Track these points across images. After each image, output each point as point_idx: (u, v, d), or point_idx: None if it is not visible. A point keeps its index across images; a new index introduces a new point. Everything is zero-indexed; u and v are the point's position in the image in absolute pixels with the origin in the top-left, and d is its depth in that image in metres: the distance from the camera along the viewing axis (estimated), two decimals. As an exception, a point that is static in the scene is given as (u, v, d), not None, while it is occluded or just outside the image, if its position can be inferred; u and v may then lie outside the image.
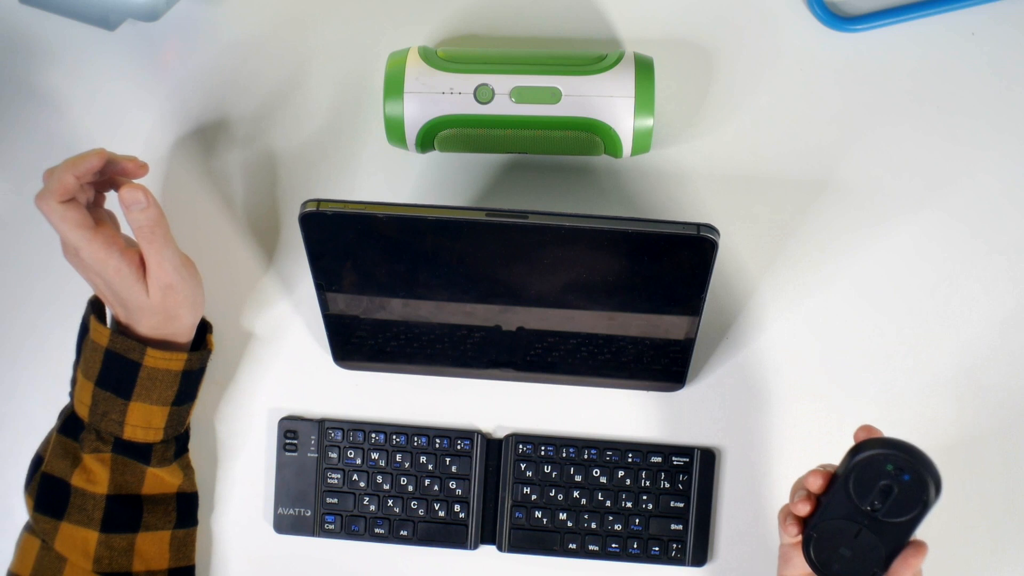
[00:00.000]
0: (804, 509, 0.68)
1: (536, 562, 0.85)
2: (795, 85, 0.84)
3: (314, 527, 0.85)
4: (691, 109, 0.85)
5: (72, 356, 0.83)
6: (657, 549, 0.84)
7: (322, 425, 0.85)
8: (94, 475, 0.79)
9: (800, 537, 0.69)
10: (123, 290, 0.76)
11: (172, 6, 0.83)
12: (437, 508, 0.84)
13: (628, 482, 0.84)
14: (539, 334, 0.80)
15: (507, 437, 0.85)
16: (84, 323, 0.81)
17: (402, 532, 0.85)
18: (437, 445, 0.85)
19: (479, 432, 0.85)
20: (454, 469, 0.84)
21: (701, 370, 0.85)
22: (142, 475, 0.81)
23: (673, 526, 0.84)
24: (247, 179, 0.86)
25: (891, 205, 0.84)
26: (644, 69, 0.78)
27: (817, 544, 0.68)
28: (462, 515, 0.84)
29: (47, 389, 0.87)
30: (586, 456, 0.84)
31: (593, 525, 0.84)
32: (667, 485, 0.84)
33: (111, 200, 0.82)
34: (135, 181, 0.77)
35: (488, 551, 0.85)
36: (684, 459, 0.84)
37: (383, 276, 0.77)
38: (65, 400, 0.83)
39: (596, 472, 0.84)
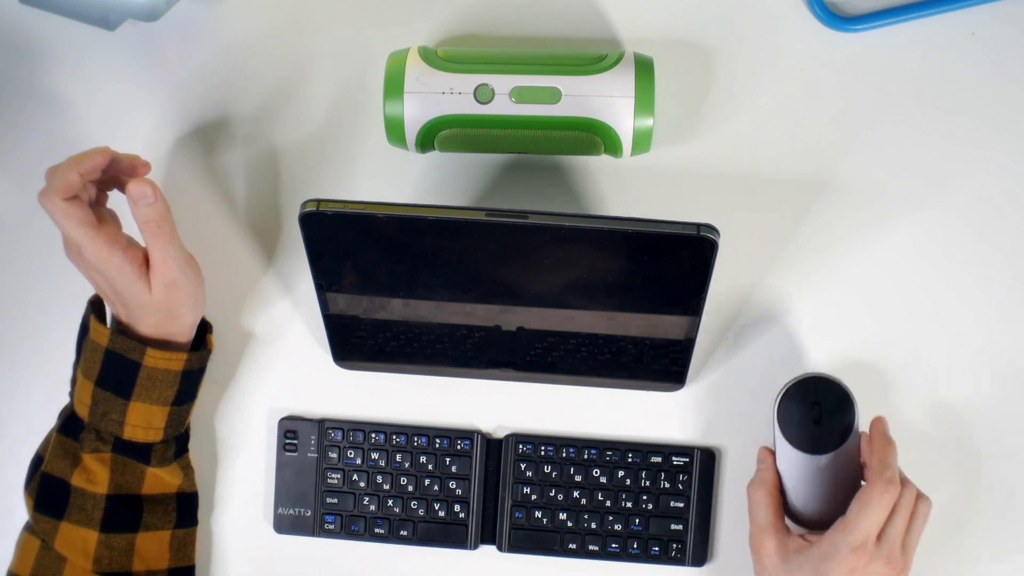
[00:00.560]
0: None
1: (536, 562, 0.85)
2: (795, 85, 0.84)
3: (314, 527, 0.85)
4: (691, 109, 0.85)
5: (72, 356, 0.83)
6: (657, 549, 0.84)
7: (322, 425, 0.85)
8: (94, 475, 0.79)
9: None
10: (125, 288, 0.76)
11: (172, 6, 0.83)
12: (437, 508, 0.84)
13: (628, 482, 0.84)
14: (539, 334, 0.80)
15: (507, 437, 0.85)
16: (84, 323, 0.81)
17: (402, 532, 0.85)
18: (437, 445, 0.85)
19: (479, 432, 0.85)
20: (454, 469, 0.84)
21: (701, 370, 0.85)
22: (142, 475, 0.81)
23: (673, 526, 0.84)
24: (247, 179, 0.86)
25: (891, 205, 0.84)
26: (644, 69, 0.78)
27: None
28: (462, 515, 0.84)
29: (47, 389, 0.87)
30: (586, 456, 0.84)
31: (593, 525, 0.84)
32: (667, 485, 0.84)
33: (113, 199, 0.82)
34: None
35: (488, 551, 0.85)
36: (684, 459, 0.84)
37: (383, 276, 0.77)
38: (65, 400, 0.83)
39: (596, 472, 0.84)
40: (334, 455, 0.85)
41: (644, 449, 0.84)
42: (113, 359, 0.78)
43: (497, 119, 0.78)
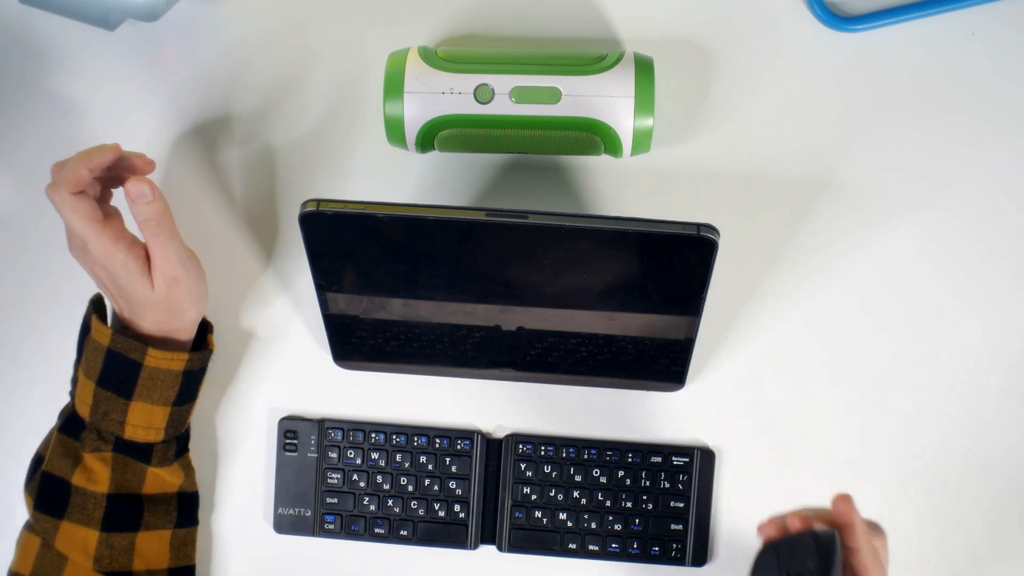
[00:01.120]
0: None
1: (536, 562, 0.85)
2: (795, 85, 0.84)
3: (314, 527, 0.85)
4: (691, 109, 0.85)
5: (72, 356, 0.83)
6: (657, 549, 0.84)
7: (322, 425, 0.85)
8: (95, 474, 0.80)
9: None
10: (128, 284, 0.76)
11: (172, 6, 0.83)
12: (437, 508, 0.84)
13: (628, 482, 0.84)
14: (539, 334, 0.80)
15: (507, 437, 0.85)
16: (85, 322, 0.81)
17: (402, 532, 0.85)
18: (437, 445, 0.85)
19: (479, 432, 0.85)
20: (454, 469, 0.84)
21: (701, 370, 0.85)
22: (143, 475, 0.81)
23: (673, 526, 0.84)
24: (247, 179, 0.86)
25: (891, 205, 0.84)
26: (644, 69, 0.78)
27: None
28: (462, 515, 0.84)
29: (47, 389, 0.87)
30: (586, 456, 0.84)
31: (593, 525, 0.84)
32: (667, 485, 0.84)
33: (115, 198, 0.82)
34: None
35: (488, 551, 0.85)
36: (684, 459, 0.84)
37: (383, 276, 0.77)
38: (66, 400, 0.83)
39: (596, 472, 0.84)
40: (334, 455, 0.85)
41: (644, 449, 0.84)
42: (114, 359, 0.78)
43: (497, 119, 0.78)
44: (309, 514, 0.85)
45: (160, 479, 0.82)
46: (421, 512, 0.85)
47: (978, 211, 0.84)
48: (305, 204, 0.73)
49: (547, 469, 0.84)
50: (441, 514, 0.85)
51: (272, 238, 0.86)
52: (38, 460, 0.81)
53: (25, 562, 0.79)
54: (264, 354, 0.86)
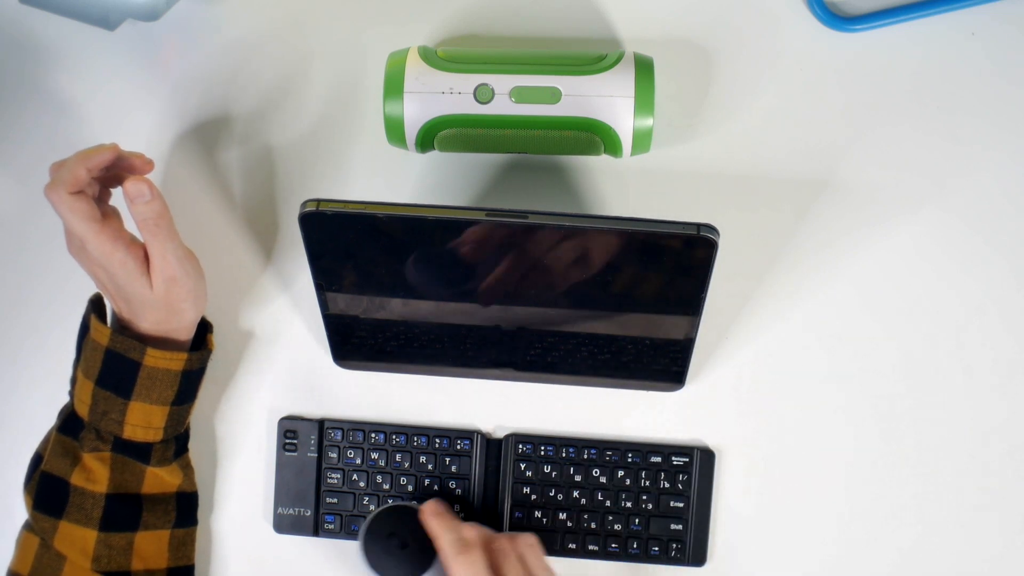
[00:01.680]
0: None
1: (536, 562, 0.85)
2: (795, 85, 0.84)
3: (314, 527, 0.85)
4: (691, 109, 0.85)
5: (72, 355, 0.83)
6: (657, 549, 0.84)
7: (322, 425, 0.85)
8: (94, 474, 0.80)
9: None
10: (127, 284, 0.76)
11: (172, 6, 0.83)
12: (437, 508, 0.84)
13: (628, 482, 0.84)
14: (539, 334, 0.80)
15: (507, 437, 0.85)
16: (84, 322, 0.81)
17: (402, 532, 0.85)
18: (437, 445, 0.85)
19: (479, 432, 0.85)
20: (454, 469, 0.84)
21: (701, 370, 0.85)
22: (142, 474, 0.81)
23: (672, 526, 0.84)
24: (247, 179, 0.86)
25: (891, 205, 0.84)
26: (644, 69, 0.78)
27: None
28: (462, 515, 0.84)
29: (47, 389, 0.87)
30: (586, 456, 0.84)
31: (593, 525, 0.84)
32: (667, 485, 0.84)
33: (115, 197, 0.82)
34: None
35: (488, 551, 0.85)
36: (684, 459, 0.84)
37: (383, 276, 0.77)
38: (65, 399, 0.83)
39: (596, 472, 0.84)
40: (334, 455, 0.85)
41: (644, 449, 0.84)
42: (113, 358, 0.78)
43: (497, 119, 0.78)
44: (309, 514, 0.85)
45: (159, 479, 0.82)
46: (421, 512, 0.85)
47: (978, 211, 0.84)
48: (305, 204, 0.73)
49: (547, 469, 0.84)
50: (441, 514, 0.84)
51: (272, 238, 0.86)
52: (37, 460, 0.81)
53: (24, 562, 0.79)
54: (264, 354, 0.86)
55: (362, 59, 0.86)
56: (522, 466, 0.84)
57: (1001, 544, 0.84)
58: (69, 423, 0.80)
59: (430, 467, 0.85)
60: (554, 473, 0.84)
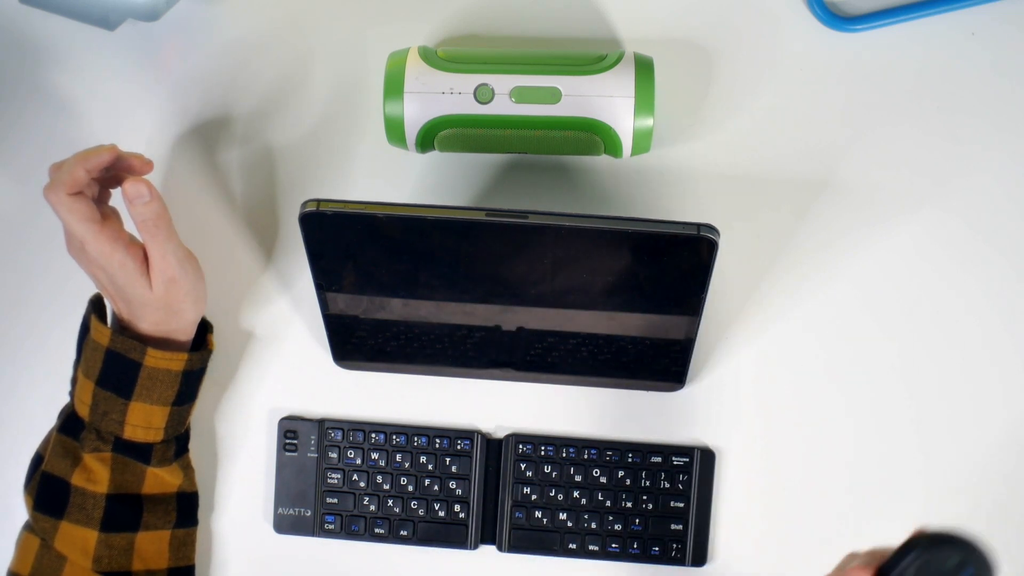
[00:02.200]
0: None
1: (536, 562, 0.85)
2: (795, 85, 0.84)
3: (314, 527, 0.85)
4: (691, 109, 0.85)
5: (72, 356, 0.83)
6: (657, 549, 0.84)
7: (322, 425, 0.85)
8: (94, 474, 0.79)
9: None
10: (127, 285, 0.76)
11: (172, 6, 0.83)
12: (437, 508, 0.84)
13: (628, 482, 0.84)
14: (539, 334, 0.80)
15: (507, 437, 0.85)
16: (85, 322, 0.81)
17: (402, 532, 0.85)
18: (437, 445, 0.85)
19: (479, 432, 0.85)
20: (454, 469, 0.84)
21: (701, 370, 0.85)
22: (142, 475, 0.81)
23: (673, 526, 0.84)
24: (247, 179, 0.86)
25: (891, 205, 0.84)
26: (644, 69, 0.78)
27: None
28: (462, 515, 0.84)
29: (47, 389, 0.87)
30: (586, 456, 0.84)
31: (593, 525, 0.84)
32: (667, 485, 0.84)
33: (115, 198, 0.82)
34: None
35: (488, 551, 0.85)
36: (684, 459, 0.84)
37: (383, 276, 0.77)
38: (65, 400, 0.83)
39: (596, 472, 0.84)
40: (334, 455, 0.85)
41: (644, 449, 0.84)
42: (114, 359, 0.78)
43: (497, 119, 0.78)
44: (309, 514, 0.85)
45: (159, 479, 0.82)
46: (421, 512, 0.85)
47: (978, 211, 0.84)
48: (305, 204, 0.73)
49: (547, 469, 0.84)
50: (441, 514, 0.84)
51: (272, 238, 0.86)
52: (37, 460, 0.81)
53: (24, 562, 0.79)
54: (264, 354, 0.86)
55: (362, 59, 0.86)
56: (522, 466, 0.84)
57: (1002, 544, 0.84)
58: (69, 423, 0.80)
59: (430, 467, 0.85)
60: (554, 473, 0.84)
